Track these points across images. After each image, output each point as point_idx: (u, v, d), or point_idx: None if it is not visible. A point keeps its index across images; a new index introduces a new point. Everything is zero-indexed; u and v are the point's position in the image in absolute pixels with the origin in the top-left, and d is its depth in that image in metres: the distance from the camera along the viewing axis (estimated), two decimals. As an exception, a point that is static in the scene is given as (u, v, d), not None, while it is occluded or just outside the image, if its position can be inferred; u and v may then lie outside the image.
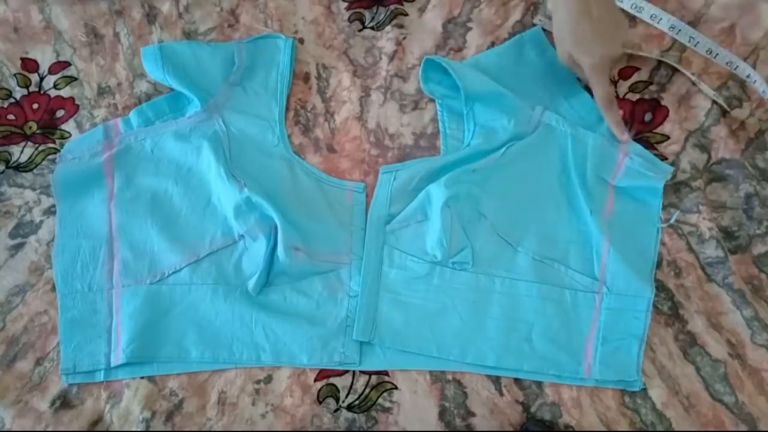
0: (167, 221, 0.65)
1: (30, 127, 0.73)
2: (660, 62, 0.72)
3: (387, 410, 0.60)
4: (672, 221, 0.65)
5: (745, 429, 0.58)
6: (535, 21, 0.74)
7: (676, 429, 0.59)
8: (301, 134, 0.72)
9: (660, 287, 0.63)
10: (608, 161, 0.66)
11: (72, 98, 0.74)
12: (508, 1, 0.77)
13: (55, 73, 0.76)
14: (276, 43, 0.74)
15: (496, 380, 0.61)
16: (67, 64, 0.76)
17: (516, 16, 0.75)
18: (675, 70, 0.72)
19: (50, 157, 0.71)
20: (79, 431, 0.60)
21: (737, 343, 0.61)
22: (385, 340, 0.61)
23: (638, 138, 0.69)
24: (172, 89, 0.72)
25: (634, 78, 0.73)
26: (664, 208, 0.66)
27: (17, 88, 0.75)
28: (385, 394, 0.61)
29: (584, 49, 0.63)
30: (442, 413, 0.60)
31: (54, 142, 0.72)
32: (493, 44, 0.74)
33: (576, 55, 0.64)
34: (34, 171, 0.71)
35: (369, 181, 0.69)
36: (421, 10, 0.77)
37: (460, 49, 0.75)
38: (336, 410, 0.60)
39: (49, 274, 0.65)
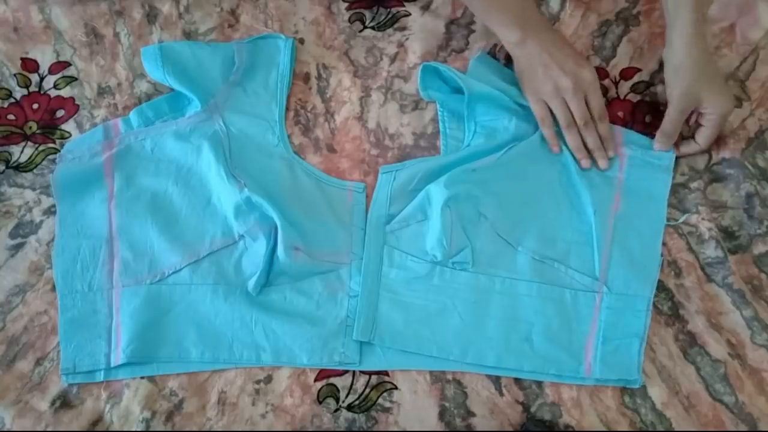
0: (167, 221, 0.65)
1: (30, 127, 0.73)
2: (661, 64, 0.72)
3: (387, 410, 0.60)
4: (680, 222, 0.65)
5: (745, 429, 0.58)
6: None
7: (676, 429, 0.58)
8: (301, 134, 0.72)
9: (660, 287, 0.63)
10: (612, 157, 0.66)
11: (72, 98, 0.74)
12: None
13: (55, 73, 0.76)
14: (276, 43, 0.74)
15: (496, 380, 0.61)
16: (67, 64, 0.76)
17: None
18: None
19: (50, 157, 0.71)
20: (79, 431, 0.60)
21: (737, 343, 0.61)
22: (385, 340, 0.61)
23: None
24: (172, 89, 0.72)
25: (635, 79, 0.73)
26: (666, 207, 0.66)
27: (17, 88, 0.75)
28: (385, 394, 0.61)
29: (719, 91, 0.64)
30: (442, 413, 0.60)
31: (54, 142, 0.72)
32: (495, 47, 0.74)
33: (712, 97, 0.63)
34: (34, 171, 0.70)
35: (369, 181, 0.69)
36: (424, 9, 0.77)
37: (462, 51, 0.75)
38: (336, 410, 0.60)
39: (49, 274, 0.65)
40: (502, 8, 0.65)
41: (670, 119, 0.65)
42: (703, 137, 0.66)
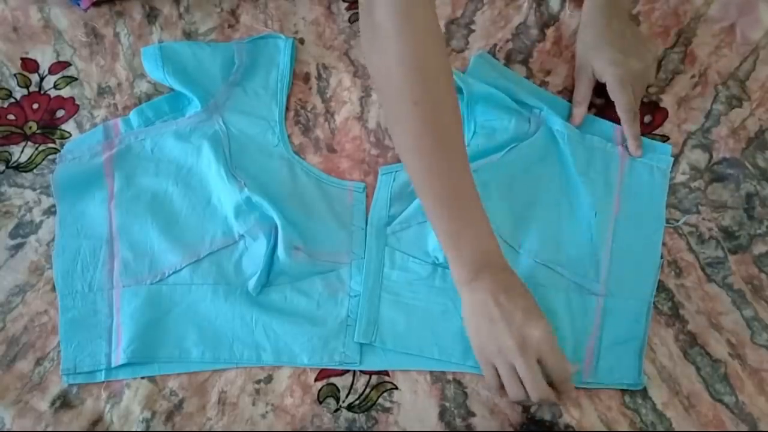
0: (167, 221, 0.65)
1: (30, 127, 0.73)
2: (659, 65, 0.72)
3: (387, 410, 0.60)
4: (680, 223, 0.65)
5: (746, 429, 0.58)
6: None
7: (676, 429, 0.59)
8: (301, 134, 0.72)
9: (660, 287, 0.63)
10: (612, 159, 0.67)
11: (72, 98, 0.74)
12: (510, 2, 0.77)
13: (55, 73, 0.76)
14: (276, 43, 0.74)
15: (496, 380, 0.61)
16: (67, 64, 0.76)
17: (519, 18, 0.75)
18: (675, 72, 0.72)
19: (50, 157, 0.71)
20: (79, 431, 0.60)
21: (737, 343, 0.61)
22: (387, 342, 0.61)
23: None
24: (172, 89, 0.72)
25: (635, 78, 0.73)
26: (666, 208, 0.66)
27: (17, 88, 0.75)
28: (385, 394, 0.61)
29: (609, 60, 0.66)
30: (442, 413, 0.60)
31: (54, 142, 0.72)
32: (495, 46, 0.74)
33: (600, 66, 0.66)
34: (34, 171, 0.70)
35: (369, 181, 0.69)
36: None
37: (461, 51, 0.75)
38: (336, 410, 0.60)
39: (49, 274, 0.65)
40: (461, 241, 0.55)
41: (576, 89, 0.69)
42: (617, 106, 0.67)
